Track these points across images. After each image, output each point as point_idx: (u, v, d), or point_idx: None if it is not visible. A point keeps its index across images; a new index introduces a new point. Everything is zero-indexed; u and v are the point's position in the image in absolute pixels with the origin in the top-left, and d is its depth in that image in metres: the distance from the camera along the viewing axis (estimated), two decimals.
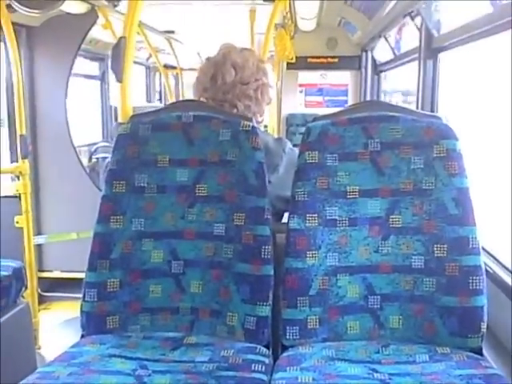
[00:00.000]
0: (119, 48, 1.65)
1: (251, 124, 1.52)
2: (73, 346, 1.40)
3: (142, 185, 1.51)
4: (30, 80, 3.72)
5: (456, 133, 1.47)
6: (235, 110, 1.70)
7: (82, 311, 1.48)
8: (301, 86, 6.14)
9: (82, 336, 1.48)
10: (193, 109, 1.57)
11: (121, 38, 1.67)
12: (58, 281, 3.78)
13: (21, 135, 3.07)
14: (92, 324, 1.47)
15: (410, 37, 3.59)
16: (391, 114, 1.51)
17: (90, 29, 3.76)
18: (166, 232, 1.51)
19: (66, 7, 3.18)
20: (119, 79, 1.67)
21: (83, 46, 3.93)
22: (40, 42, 3.74)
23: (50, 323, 3.31)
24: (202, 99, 1.74)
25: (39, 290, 3.55)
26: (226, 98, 1.70)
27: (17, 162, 3.19)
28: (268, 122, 4.65)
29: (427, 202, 1.44)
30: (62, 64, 3.74)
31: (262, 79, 1.73)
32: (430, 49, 2.90)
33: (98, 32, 4.08)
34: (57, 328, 3.24)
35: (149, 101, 7.90)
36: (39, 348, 2.98)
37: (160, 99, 8.36)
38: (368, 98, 5.57)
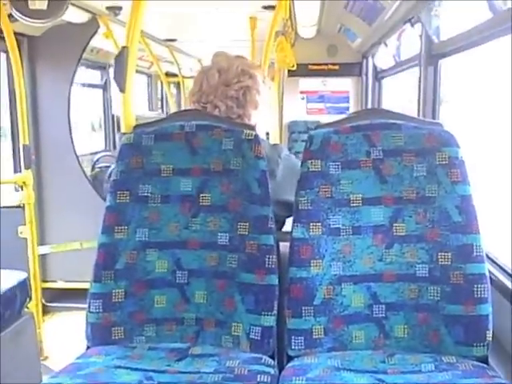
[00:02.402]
0: (121, 58, 1.65)
1: (254, 133, 1.52)
2: (78, 358, 1.40)
3: (146, 195, 1.51)
4: (32, 90, 3.73)
5: (457, 140, 1.47)
6: (217, 111, 1.69)
7: (87, 322, 1.48)
8: (302, 93, 6.15)
9: (88, 347, 1.48)
10: (195, 118, 1.57)
11: (123, 47, 1.67)
12: (62, 291, 3.78)
13: (24, 145, 3.08)
14: (97, 335, 1.47)
15: (409, 43, 3.60)
16: (393, 121, 1.51)
17: (91, 38, 3.77)
18: (170, 242, 1.51)
19: (68, 16, 3.19)
20: (122, 89, 1.67)
21: (85, 55, 3.94)
22: (42, 52, 3.75)
23: (55, 334, 3.30)
24: (191, 105, 1.75)
25: (43, 301, 3.54)
26: (209, 100, 1.71)
27: (20, 172, 3.20)
28: (269, 129, 4.66)
29: (430, 210, 1.44)
30: (64, 73, 3.75)
31: (246, 82, 1.72)
32: (431, 55, 2.90)
33: (99, 41, 4.09)
34: (62, 338, 3.23)
35: (151, 109, 7.92)
36: (45, 359, 2.97)
37: (162, 107, 8.38)
38: (369, 105, 5.58)
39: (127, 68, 1.67)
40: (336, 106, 6.10)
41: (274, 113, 4.84)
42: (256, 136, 1.52)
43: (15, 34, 3.07)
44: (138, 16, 1.69)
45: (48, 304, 3.69)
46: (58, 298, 3.75)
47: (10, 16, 2.82)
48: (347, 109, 5.98)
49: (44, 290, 3.58)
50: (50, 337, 3.21)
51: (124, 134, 1.61)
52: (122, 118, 1.71)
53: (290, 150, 4.65)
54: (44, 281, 3.69)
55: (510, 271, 1.70)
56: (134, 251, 1.49)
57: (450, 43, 2.64)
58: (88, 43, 3.81)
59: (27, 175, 3.08)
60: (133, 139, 1.54)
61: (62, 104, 3.74)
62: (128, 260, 1.49)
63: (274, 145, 1.87)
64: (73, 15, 3.37)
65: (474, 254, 1.40)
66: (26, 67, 3.64)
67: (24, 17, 2.72)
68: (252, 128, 1.55)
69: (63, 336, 3.24)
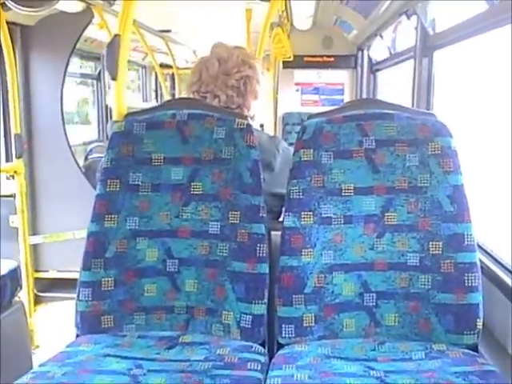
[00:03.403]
0: (113, 46, 1.63)
1: (246, 122, 1.51)
2: (68, 346, 1.40)
3: (137, 183, 1.51)
4: (25, 79, 3.71)
5: (450, 130, 1.47)
6: (217, 101, 1.69)
7: (76, 310, 1.47)
8: (297, 84, 6.14)
9: (77, 335, 1.47)
10: (188, 107, 1.56)
11: (115, 35, 1.66)
12: (54, 281, 3.77)
13: (16, 134, 3.06)
14: (87, 323, 1.47)
15: (405, 35, 3.59)
16: (386, 111, 1.51)
17: (85, 28, 3.74)
18: (161, 231, 1.50)
19: (62, 6, 3.17)
20: (113, 77, 1.66)
21: (79, 45, 3.92)
22: (35, 41, 3.72)
23: (47, 323, 3.30)
24: (190, 95, 1.74)
25: (35, 291, 3.54)
26: (209, 89, 1.70)
27: (11, 161, 3.18)
28: (264, 120, 4.65)
29: (422, 200, 1.44)
30: (58, 63, 3.72)
31: (246, 71, 1.72)
32: (426, 47, 2.90)
33: (93, 31, 4.06)
34: (54, 328, 3.23)
35: (145, 100, 7.89)
36: (37, 347, 2.97)
37: (156, 98, 8.35)
38: (364, 97, 5.57)
39: (119, 56, 1.65)
40: (331, 98, 6.11)
41: (268, 104, 4.83)
42: (248, 125, 1.51)
43: (8, 23, 3.04)
44: (130, 3, 1.68)
45: (40, 294, 3.68)
46: (50, 287, 3.75)
47: (3, 5, 2.80)
48: (342, 101, 5.98)
49: (36, 279, 3.57)
50: (42, 326, 3.21)
51: (115, 122, 1.60)
52: (114, 106, 1.70)
53: (284, 141, 4.65)
54: (36, 270, 3.68)
55: (500, 260, 1.70)
56: (124, 239, 1.49)
57: (444, 35, 2.64)
58: (82, 33, 3.78)
59: (19, 164, 3.07)
60: (124, 127, 1.54)
61: (55, 94, 3.72)
62: (118, 248, 1.48)
63: (273, 136, 1.86)
64: (67, 5, 3.34)
65: (465, 243, 1.41)
66: (18, 57, 3.62)
67: (17, 6, 2.70)
68: (244, 117, 1.54)
69: (55, 325, 3.24)
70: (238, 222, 1.46)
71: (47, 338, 3.08)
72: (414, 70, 2.97)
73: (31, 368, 1.32)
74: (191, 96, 1.74)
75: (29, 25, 3.66)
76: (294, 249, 1.44)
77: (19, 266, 2.41)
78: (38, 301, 3.55)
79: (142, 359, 1.31)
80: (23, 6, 2.71)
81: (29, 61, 3.73)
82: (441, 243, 1.42)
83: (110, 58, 1.66)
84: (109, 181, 1.50)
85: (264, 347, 1.42)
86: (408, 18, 3.24)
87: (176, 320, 1.49)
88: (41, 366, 1.30)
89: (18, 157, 3.08)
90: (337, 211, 1.46)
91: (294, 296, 1.42)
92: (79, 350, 1.36)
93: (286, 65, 5.63)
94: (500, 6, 1.90)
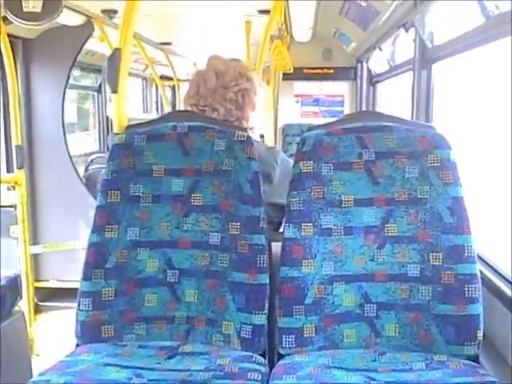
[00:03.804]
0: (114, 59, 1.65)
1: (246, 134, 1.53)
2: (68, 355, 1.40)
3: (137, 194, 1.52)
4: (27, 91, 3.73)
5: (449, 142, 1.48)
6: (216, 114, 1.70)
7: (77, 320, 1.47)
8: (297, 96, 6.17)
9: (77, 345, 1.47)
10: (188, 119, 1.57)
11: (116, 49, 1.67)
12: (55, 290, 3.77)
13: (17, 146, 3.08)
14: (87, 333, 1.47)
15: (404, 48, 3.62)
16: (385, 123, 1.52)
17: (86, 41, 3.78)
18: (162, 241, 1.51)
19: (62, 19, 3.19)
20: (114, 90, 1.67)
21: (80, 57, 3.94)
22: (36, 54, 3.75)
23: (47, 332, 3.30)
24: (188, 108, 1.75)
25: (36, 300, 3.53)
26: (207, 103, 1.71)
27: (12, 171, 3.19)
28: (264, 131, 4.67)
29: (422, 211, 1.45)
30: (59, 75, 3.75)
31: (243, 84, 1.73)
32: (424, 59, 2.92)
33: (94, 44, 4.09)
34: (54, 337, 3.22)
35: (146, 112, 7.92)
36: (37, 356, 2.97)
37: (157, 110, 8.39)
38: (364, 108, 5.60)
39: (120, 69, 1.67)
40: (331, 110, 6.13)
41: (269, 116, 4.85)
42: (248, 137, 1.53)
43: (9, 36, 3.07)
44: (131, 17, 1.69)
45: (40, 303, 3.68)
46: (50, 297, 3.75)
47: (5, 18, 2.82)
48: (342, 112, 6.00)
49: (37, 289, 3.58)
50: (43, 335, 3.21)
51: (116, 134, 1.61)
52: (115, 118, 1.71)
53: (284, 152, 4.68)
54: (37, 280, 3.68)
55: (500, 271, 1.71)
56: (124, 250, 1.49)
57: (442, 47, 2.66)
58: (83, 46, 3.82)
59: (20, 175, 3.09)
60: (125, 139, 1.55)
61: (56, 106, 3.74)
62: (118, 259, 1.49)
63: (271, 148, 1.87)
64: (68, 18, 3.37)
65: (466, 254, 1.41)
66: (20, 69, 3.65)
67: (18, 19, 2.72)
68: (244, 130, 1.56)
69: (55, 334, 3.24)
70: (238, 232, 1.47)
71: (47, 346, 3.08)
72: (413, 82, 2.99)
73: (31, 377, 1.32)
74: (189, 109, 1.75)
75: (30, 38, 3.69)
76: (294, 259, 1.44)
77: (19, 275, 2.41)
78: (38, 310, 3.56)
79: (142, 369, 1.31)
80: (24, 19, 2.73)
81: (30, 73, 3.76)
82: (441, 254, 1.42)
83: (110, 71, 1.68)
84: (109, 192, 1.51)
85: (264, 357, 1.42)
86: (406, 30, 3.27)
87: (176, 330, 1.49)
88: (40, 375, 1.30)
89: (19, 167, 3.10)
90: (337, 222, 1.47)
91: (294, 306, 1.42)
92: (79, 360, 1.36)
93: (286, 77, 5.65)
94: (497, 19, 1.92)
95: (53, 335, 3.24)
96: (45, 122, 3.74)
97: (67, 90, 3.82)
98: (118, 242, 1.49)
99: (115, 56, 1.66)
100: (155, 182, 1.52)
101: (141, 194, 1.52)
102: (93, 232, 1.50)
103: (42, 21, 2.77)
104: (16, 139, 3.07)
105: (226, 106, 1.71)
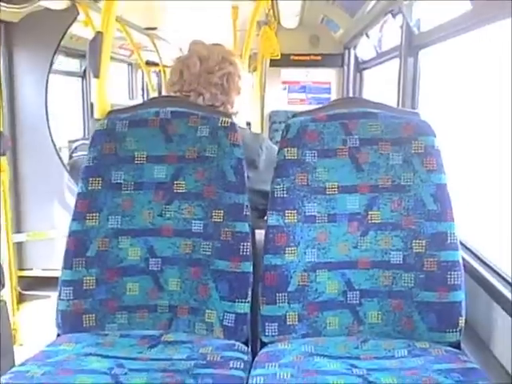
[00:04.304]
0: (96, 43, 1.63)
1: (230, 120, 1.51)
2: (48, 345, 1.38)
3: (119, 182, 1.50)
4: (9, 77, 3.67)
5: (434, 129, 1.47)
6: (201, 99, 1.69)
7: (57, 309, 1.46)
8: (284, 83, 6.13)
9: (58, 335, 1.46)
10: (171, 105, 1.55)
11: (98, 32, 1.65)
12: (39, 279, 3.74)
13: None
14: (68, 323, 1.45)
15: (391, 35, 3.61)
16: (370, 110, 1.51)
17: (70, 25, 3.70)
18: (144, 229, 1.49)
19: (46, 3, 3.13)
20: (96, 75, 1.65)
21: (64, 42, 3.88)
22: (19, 38, 3.68)
23: (31, 321, 3.28)
24: (171, 94, 1.73)
25: (19, 289, 3.50)
26: (192, 88, 1.70)
27: None
28: (251, 118, 4.65)
29: (406, 198, 1.45)
30: (42, 60, 3.69)
31: (227, 68, 1.72)
32: (411, 46, 2.91)
33: (79, 28, 4.03)
34: (38, 326, 3.20)
35: (131, 98, 7.85)
36: (21, 345, 2.95)
37: (143, 96, 8.32)
38: (351, 95, 5.58)
39: (102, 53, 1.64)
40: (317, 97, 6.11)
41: (255, 103, 4.83)
42: (232, 123, 1.51)
43: None
44: (113, 0, 1.66)
45: (24, 292, 3.65)
46: (34, 285, 3.72)
47: None
48: (328, 99, 5.97)
49: (20, 277, 3.54)
50: (27, 324, 3.18)
51: (98, 119, 1.58)
52: (96, 103, 1.68)
53: (270, 139, 4.64)
54: (20, 269, 3.65)
55: (483, 258, 1.72)
56: (105, 238, 1.48)
57: (429, 34, 2.65)
58: (67, 30, 3.74)
59: (2, 162, 3.04)
60: (106, 125, 1.52)
61: (39, 92, 3.68)
62: (100, 247, 1.47)
63: (257, 134, 1.86)
64: (52, 1, 3.31)
65: (448, 241, 1.41)
66: (2, 54, 3.58)
67: (1, 2, 2.66)
68: (228, 115, 1.54)
69: (39, 323, 3.21)
70: (221, 220, 1.46)
71: (31, 336, 3.06)
72: (400, 68, 2.98)
73: (13, 366, 1.30)
74: (173, 95, 1.73)
75: (13, 21, 3.62)
76: (277, 247, 1.43)
77: (2, 264, 2.38)
78: (21, 299, 3.52)
79: (123, 358, 1.30)
80: (7, 2, 2.68)
81: (13, 58, 3.69)
82: (424, 241, 1.42)
83: (92, 56, 1.65)
84: (91, 179, 1.49)
85: (247, 346, 1.42)
86: (393, 17, 3.25)
87: (159, 319, 1.48)
88: (20, 365, 1.28)
89: (2, 154, 3.05)
90: (321, 210, 1.46)
91: (277, 294, 1.42)
92: (60, 350, 1.34)
93: (273, 63, 5.61)
94: (483, 6, 1.91)
95: (37, 324, 3.22)
96: (28, 107, 3.68)
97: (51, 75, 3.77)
98: (100, 230, 1.48)
99: (97, 40, 1.64)
100: (137, 169, 1.50)
101: (122, 182, 1.50)
102: (73, 220, 1.48)
103: (25, 4, 2.72)
104: None
105: (212, 90, 1.70)
